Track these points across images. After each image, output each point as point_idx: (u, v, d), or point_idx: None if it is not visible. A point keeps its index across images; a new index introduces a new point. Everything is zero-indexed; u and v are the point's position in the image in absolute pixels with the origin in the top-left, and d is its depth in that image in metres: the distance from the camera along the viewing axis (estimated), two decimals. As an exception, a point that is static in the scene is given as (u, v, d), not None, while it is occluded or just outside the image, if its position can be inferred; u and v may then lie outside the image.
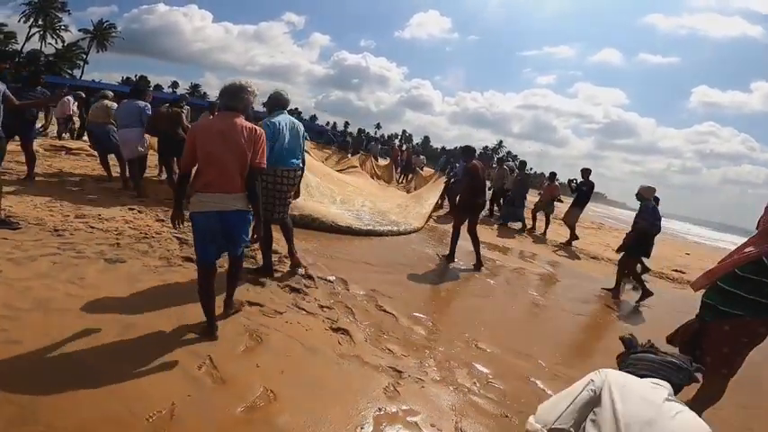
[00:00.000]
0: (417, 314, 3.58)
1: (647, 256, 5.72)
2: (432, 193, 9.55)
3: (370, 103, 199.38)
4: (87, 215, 4.34)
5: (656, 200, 6.03)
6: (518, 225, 9.95)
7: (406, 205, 8.57)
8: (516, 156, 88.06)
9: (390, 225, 6.83)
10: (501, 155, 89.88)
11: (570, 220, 8.97)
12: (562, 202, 9.92)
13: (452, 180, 9.41)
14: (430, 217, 8.28)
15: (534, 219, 9.83)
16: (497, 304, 4.46)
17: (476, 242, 5.58)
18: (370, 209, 7.53)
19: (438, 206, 9.72)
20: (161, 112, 5.83)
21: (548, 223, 9.65)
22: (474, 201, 5.41)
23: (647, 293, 5.49)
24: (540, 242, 8.82)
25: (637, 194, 5.45)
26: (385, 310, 3.51)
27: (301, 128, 3.63)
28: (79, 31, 53.05)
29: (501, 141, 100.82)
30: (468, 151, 5.74)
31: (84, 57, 52.58)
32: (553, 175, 10.21)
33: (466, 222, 5.58)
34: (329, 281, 3.93)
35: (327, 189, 7.39)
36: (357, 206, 7.48)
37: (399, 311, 3.52)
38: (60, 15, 49.31)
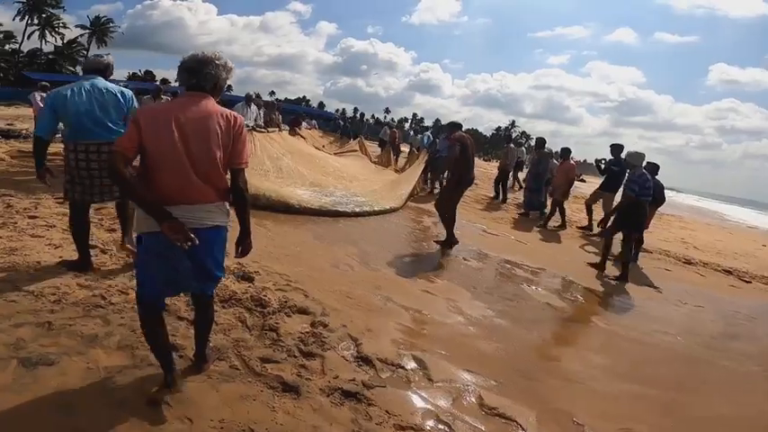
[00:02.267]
0: None
1: (639, 229, 5.36)
2: (415, 172, 9.19)
3: (379, 89, 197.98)
4: (15, 261, 2.83)
5: (656, 168, 6.04)
6: (539, 214, 8.39)
7: (390, 187, 8.26)
8: (530, 135, 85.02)
9: (362, 206, 6.61)
10: (514, 134, 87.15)
11: (606, 207, 7.23)
12: (585, 181, 8.56)
13: (436, 156, 8.91)
14: (411, 196, 8.09)
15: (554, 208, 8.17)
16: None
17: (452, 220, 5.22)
18: (343, 191, 7.40)
19: (427, 191, 9.49)
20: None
21: (563, 211, 7.90)
22: (467, 176, 5.11)
23: (625, 276, 5.10)
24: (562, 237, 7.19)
25: (624, 161, 5.39)
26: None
27: (120, 95, 2.82)
28: (76, 27, 51.61)
29: (513, 121, 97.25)
30: (453, 125, 5.48)
31: (85, 53, 51.28)
32: (566, 151, 8.31)
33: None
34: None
35: (297, 172, 7.48)
36: (329, 188, 7.35)
37: None
38: (55, 12, 47.83)
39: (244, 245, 1.88)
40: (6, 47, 46.50)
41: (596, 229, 7.39)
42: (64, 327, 2.27)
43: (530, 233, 7.32)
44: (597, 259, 5.62)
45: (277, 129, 10.46)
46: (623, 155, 6.84)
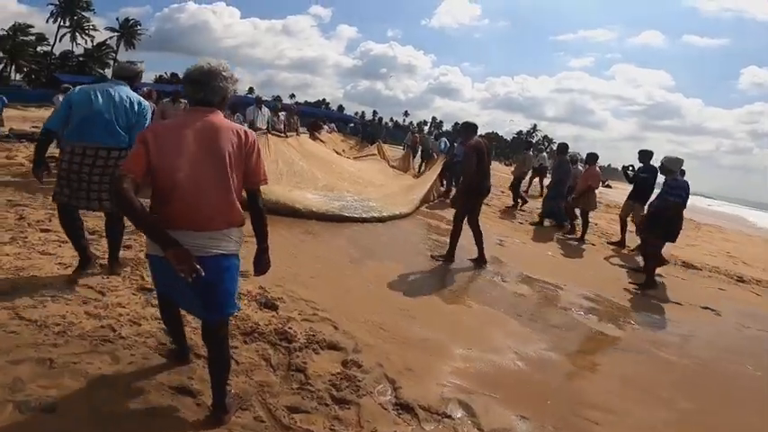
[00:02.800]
0: None
1: (673, 239, 4.85)
2: (431, 176, 8.86)
3: (398, 92, 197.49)
4: (20, 284, 2.55)
5: (682, 173, 5.53)
6: (557, 224, 7.82)
7: (404, 192, 8.02)
8: (552, 139, 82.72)
9: (371, 211, 6.33)
10: (536, 139, 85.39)
11: (637, 218, 6.54)
12: (611, 187, 7.96)
13: (454, 161, 8.51)
14: (426, 202, 7.78)
15: (572, 217, 7.58)
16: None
17: (479, 234, 4.75)
18: (355, 195, 7.19)
19: (443, 191, 9.20)
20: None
21: (585, 224, 7.29)
22: (484, 185, 4.64)
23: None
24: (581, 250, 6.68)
25: (661, 167, 4.95)
26: None
27: (137, 104, 2.74)
28: (106, 29, 52.99)
29: (535, 125, 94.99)
30: (468, 128, 4.85)
31: (114, 56, 52.61)
32: (593, 157, 7.58)
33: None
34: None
35: (311, 175, 7.43)
36: (342, 193, 7.20)
37: None
38: (86, 15, 49.20)
39: (261, 262, 1.79)
40: (39, 49, 48.06)
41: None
42: (67, 365, 2.00)
43: (548, 244, 6.81)
44: (631, 275, 5.18)
45: (295, 132, 10.27)
46: (654, 160, 6.43)
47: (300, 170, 7.45)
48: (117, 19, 54.41)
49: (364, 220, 5.95)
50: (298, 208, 5.51)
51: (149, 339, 2.27)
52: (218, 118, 1.63)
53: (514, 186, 9.69)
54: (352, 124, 23.21)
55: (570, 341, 3.35)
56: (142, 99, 2.80)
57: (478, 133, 4.89)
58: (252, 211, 1.72)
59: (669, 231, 4.76)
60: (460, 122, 5.47)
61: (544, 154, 12.75)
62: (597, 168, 7.46)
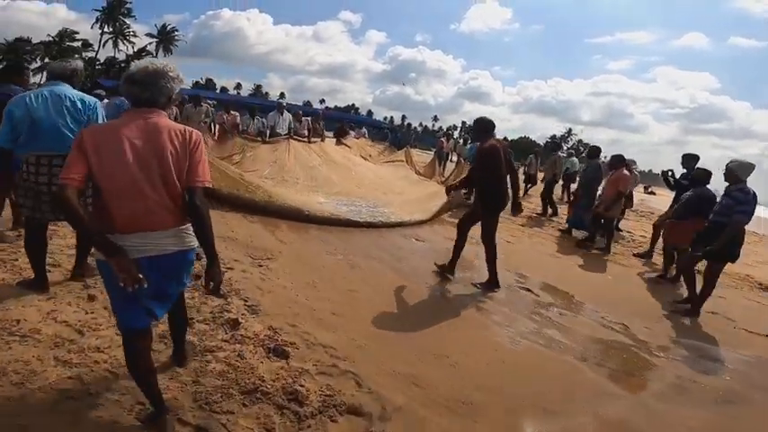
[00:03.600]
0: None
1: (734, 259, 3.99)
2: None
3: (427, 97, 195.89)
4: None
5: (707, 175, 4.93)
6: (587, 234, 6.85)
7: (425, 200, 7.54)
8: (588, 144, 79.25)
9: (377, 216, 6.01)
10: (570, 143, 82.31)
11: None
12: (654, 194, 7.02)
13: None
14: (448, 210, 7.17)
15: (599, 226, 6.62)
16: None
17: (491, 251, 3.97)
18: (370, 201, 6.89)
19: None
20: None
21: (610, 233, 6.44)
22: (500, 196, 3.85)
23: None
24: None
25: (726, 173, 4.03)
26: None
27: (80, 102, 2.54)
28: (146, 36, 55.06)
29: (570, 129, 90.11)
30: (481, 126, 3.97)
31: (153, 61, 54.43)
32: (618, 159, 6.42)
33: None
34: None
35: (328, 180, 7.28)
36: (356, 198, 6.91)
37: None
38: (128, 21, 51.26)
39: (212, 275, 1.62)
40: (84, 55, 50.41)
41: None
42: (12, 428, 1.57)
43: (574, 257, 5.99)
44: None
45: (320, 138, 9.89)
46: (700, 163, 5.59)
47: (317, 175, 7.44)
48: (155, 25, 56.47)
49: (369, 225, 5.63)
50: (302, 210, 5.39)
51: (124, 397, 1.81)
52: (161, 118, 1.60)
53: (546, 193, 8.91)
54: (381, 129, 22.72)
55: (655, 392, 2.69)
56: (86, 96, 2.60)
57: (502, 136, 4.27)
58: (189, 212, 1.60)
59: (730, 251, 3.90)
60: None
61: (574, 158, 11.74)
62: (626, 171, 6.45)
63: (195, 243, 1.67)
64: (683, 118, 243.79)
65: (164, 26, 55.59)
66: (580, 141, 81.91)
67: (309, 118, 10.47)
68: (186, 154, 1.59)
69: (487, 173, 3.78)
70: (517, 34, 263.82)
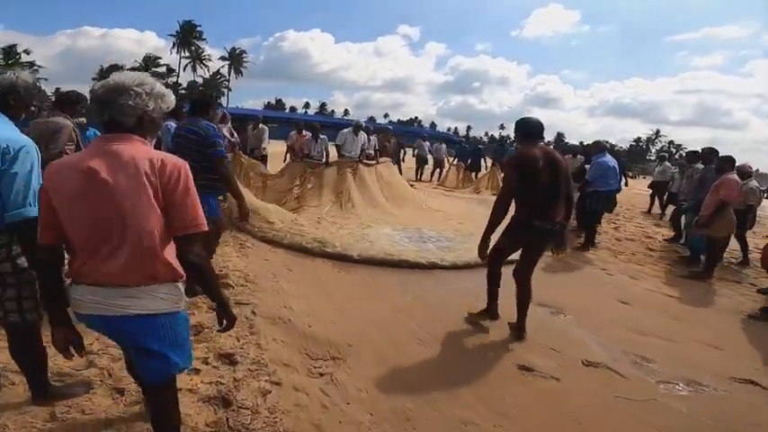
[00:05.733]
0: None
1: None
2: None
3: (492, 106, 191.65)
4: None
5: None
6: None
7: None
8: (680, 145, 70.20)
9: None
10: (659, 145, 74.08)
11: None
12: None
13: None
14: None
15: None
16: None
17: (524, 294, 2.99)
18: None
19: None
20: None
21: (714, 256, 4.94)
22: (533, 217, 2.83)
23: None
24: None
25: None
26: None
27: None
28: (219, 59, 58.73)
29: (658, 131, 79.85)
30: (521, 129, 2.99)
31: (227, 84, 58.08)
32: (726, 162, 4.96)
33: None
34: None
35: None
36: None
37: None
38: (201, 45, 54.97)
39: (221, 322, 1.50)
40: (168, 80, 54.80)
41: None
42: None
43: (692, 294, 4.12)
44: None
45: (390, 159, 8.68)
46: None
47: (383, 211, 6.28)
48: (225, 48, 60.20)
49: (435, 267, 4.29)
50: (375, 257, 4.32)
51: None
52: (130, 146, 1.30)
53: (675, 215, 6.95)
54: (456, 144, 19.01)
55: None
56: (17, 134, 1.68)
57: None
58: (185, 265, 1.36)
59: None
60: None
61: (667, 163, 9.48)
62: (734, 176, 4.80)
63: (169, 309, 1.37)
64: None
65: (233, 49, 59.14)
66: (671, 142, 73.57)
67: (375, 136, 9.23)
68: (161, 191, 1.28)
69: (510, 184, 2.86)
70: (586, 36, 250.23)
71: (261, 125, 7.77)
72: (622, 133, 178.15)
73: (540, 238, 2.93)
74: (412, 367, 2.69)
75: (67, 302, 1.36)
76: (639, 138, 78.30)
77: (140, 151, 1.29)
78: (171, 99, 1.41)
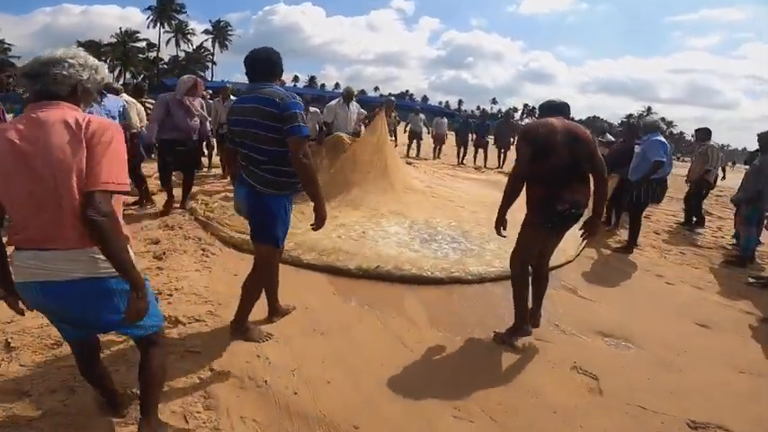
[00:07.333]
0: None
1: None
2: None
3: (485, 80, 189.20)
4: None
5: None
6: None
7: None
8: (671, 122, 68.48)
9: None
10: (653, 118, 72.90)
11: None
12: None
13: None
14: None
15: None
16: None
17: (539, 284, 2.69)
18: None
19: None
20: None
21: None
22: (553, 199, 2.36)
23: None
24: None
25: None
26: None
27: None
28: (202, 33, 55.72)
29: (649, 108, 78.31)
30: (548, 105, 2.63)
31: (212, 58, 55.32)
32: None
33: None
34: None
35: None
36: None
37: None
38: (181, 18, 51.73)
39: (128, 307, 1.32)
40: (149, 55, 51.95)
41: None
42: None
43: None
44: None
45: (392, 136, 7.57)
46: None
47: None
48: (210, 21, 57.02)
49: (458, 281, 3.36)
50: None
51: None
52: (54, 110, 1.28)
53: (691, 198, 6.14)
54: (454, 117, 18.14)
55: None
56: None
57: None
58: (83, 221, 1.22)
59: None
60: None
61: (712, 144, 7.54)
62: None
63: (107, 272, 1.32)
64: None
65: (218, 21, 56.01)
66: (663, 119, 72.16)
67: (382, 107, 7.82)
68: (83, 150, 1.25)
69: (523, 162, 2.39)
70: (583, 14, 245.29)
71: (232, 96, 6.26)
72: (613, 109, 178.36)
73: (563, 222, 2.44)
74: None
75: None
76: (631, 114, 77.05)
77: (69, 114, 1.28)
78: (105, 71, 1.44)
